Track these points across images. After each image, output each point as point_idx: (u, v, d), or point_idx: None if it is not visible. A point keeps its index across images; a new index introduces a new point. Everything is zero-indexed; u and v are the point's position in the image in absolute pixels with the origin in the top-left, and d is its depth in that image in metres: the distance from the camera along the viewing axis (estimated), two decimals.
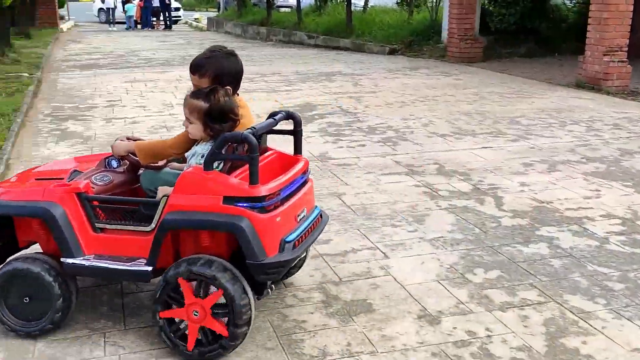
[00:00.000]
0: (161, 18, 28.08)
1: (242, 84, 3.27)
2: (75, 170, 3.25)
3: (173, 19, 28.95)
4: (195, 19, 32.11)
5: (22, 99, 9.10)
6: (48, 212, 2.92)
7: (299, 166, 3.13)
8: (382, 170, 5.83)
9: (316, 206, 3.31)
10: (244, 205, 2.74)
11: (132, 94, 10.13)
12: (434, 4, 16.45)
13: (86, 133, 7.39)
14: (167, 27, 27.68)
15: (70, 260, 2.94)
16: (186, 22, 32.20)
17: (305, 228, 3.03)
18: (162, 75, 12.22)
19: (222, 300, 2.76)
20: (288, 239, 2.87)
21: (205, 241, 2.87)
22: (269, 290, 2.99)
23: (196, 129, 2.98)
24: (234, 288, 2.73)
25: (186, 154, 3.06)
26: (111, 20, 27.96)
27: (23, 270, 3.00)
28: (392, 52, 15.44)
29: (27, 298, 3.03)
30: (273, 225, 2.80)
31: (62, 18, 28.13)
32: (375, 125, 7.66)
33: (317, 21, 19.58)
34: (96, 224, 3.00)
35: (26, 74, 11.72)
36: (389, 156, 6.32)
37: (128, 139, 3.33)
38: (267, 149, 3.24)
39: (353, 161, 6.15)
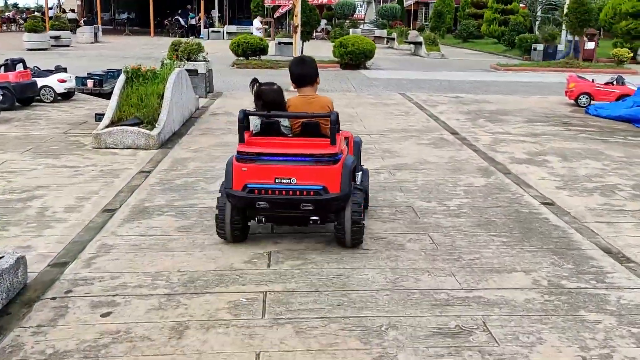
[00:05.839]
0: None
1: None
2: None
3: None
4: None
5: None
6: None
7: (304, 150, 4.39)
8: None
9: (321, 186, 4.31)
10: (236, 153, 4.41)
11: None
12: None
13: None
14: None
15: None
16: None
17: (278, 188, 4.33)
18: None
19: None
20: (250, 185, 4.33)
21: None
22: (258, 221, 4.63)
23: None
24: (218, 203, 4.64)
25: None
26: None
27: None
28: None
29: None
30: (239, 171, 4.36)
31: None
32: None
33: None
34: None
35: None
36: None
37: None
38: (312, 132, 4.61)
39: None
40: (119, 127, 8.09)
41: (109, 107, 8.62)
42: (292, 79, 4.93)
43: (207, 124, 9.89)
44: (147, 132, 8.05)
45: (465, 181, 6.74)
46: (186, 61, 12.40)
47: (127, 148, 7.96)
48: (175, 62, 10.68)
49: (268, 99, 4.61)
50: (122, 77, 9.06)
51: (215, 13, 44.57)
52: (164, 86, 8.98)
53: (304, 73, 4.86)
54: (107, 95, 9.07)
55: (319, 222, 4.53)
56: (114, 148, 7.95)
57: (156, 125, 8.29)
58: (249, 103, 11.64)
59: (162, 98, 8.79)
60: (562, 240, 5.00)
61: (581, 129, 10.29)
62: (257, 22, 27.05)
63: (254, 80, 4.75)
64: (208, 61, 13.41)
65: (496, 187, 6.55)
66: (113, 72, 9.90)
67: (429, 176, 6.91)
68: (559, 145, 8.85)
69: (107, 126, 8.22)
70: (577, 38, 23.54)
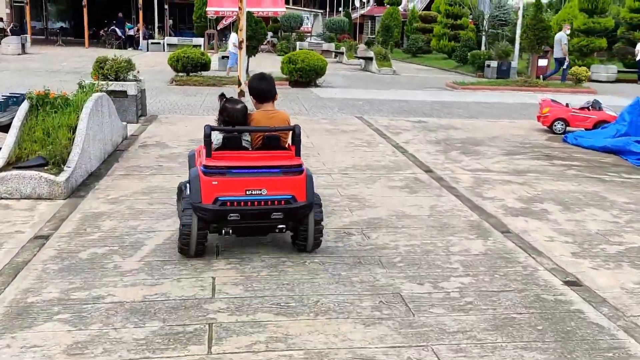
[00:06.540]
0: None
1: None
2: None
3: None
4: None
5: None
6: None
7: (272, 162, 4.59)
8: None
9: (290, 195, 4.54)
10: (201, 167, 4.52)
11: None
12: None
13: None
14: None
15: None
16: None
17: (250, 200, 4.46)
18: None
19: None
20: (221, 198, 4.42)
21: None
22: (225, 233, 4.62)
23: None
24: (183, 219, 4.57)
25: None
26: None
27: None
28: None
29: None
30: (209, 185, 4.43)
31: None
32: None
33: None
34: None
35: None
36: None
37: None
38: (276, 145, 4.81)
39: None
40: (15, 172, 6.33)
41: (5, 144, 6.80)
42: (252, 94, 5.04)
43: (135, 160, 8.20)
44: (52, 177, 6.31)
45: (459, 246, 5.31)
46: (113, 81, 10.65)
47: (25, 198, 6.21)
48: (97, 84, 8.94)
49: (230, 116, 4.80)
50: (24, 105, 7.27)
51: (169, 23, 42.42)
52: (78, 116, 7.27)
53: (266, 89, 5.01)
54: (6, 128, 7.28)
55: (284, 230, 4.73)
56: (8, 199, 6.18)
57: (64, 168, 6.56)
58: (187, 130, 10.00)
59: (74, 131, 7.09)
60: (616, 353, 3.60)
61: (567, 163, 9.08)
62: (234, 37, 20.32)
63: (222, 95, 4.98)
64: (140, 80, 11.67)
65: (499, 255, 5.14)
66: (16, 97, 8.10)
67: (412, 238, 5.44)
68: (551, 187, 7.56)
69: (1, 169, 6.46)
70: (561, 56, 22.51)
